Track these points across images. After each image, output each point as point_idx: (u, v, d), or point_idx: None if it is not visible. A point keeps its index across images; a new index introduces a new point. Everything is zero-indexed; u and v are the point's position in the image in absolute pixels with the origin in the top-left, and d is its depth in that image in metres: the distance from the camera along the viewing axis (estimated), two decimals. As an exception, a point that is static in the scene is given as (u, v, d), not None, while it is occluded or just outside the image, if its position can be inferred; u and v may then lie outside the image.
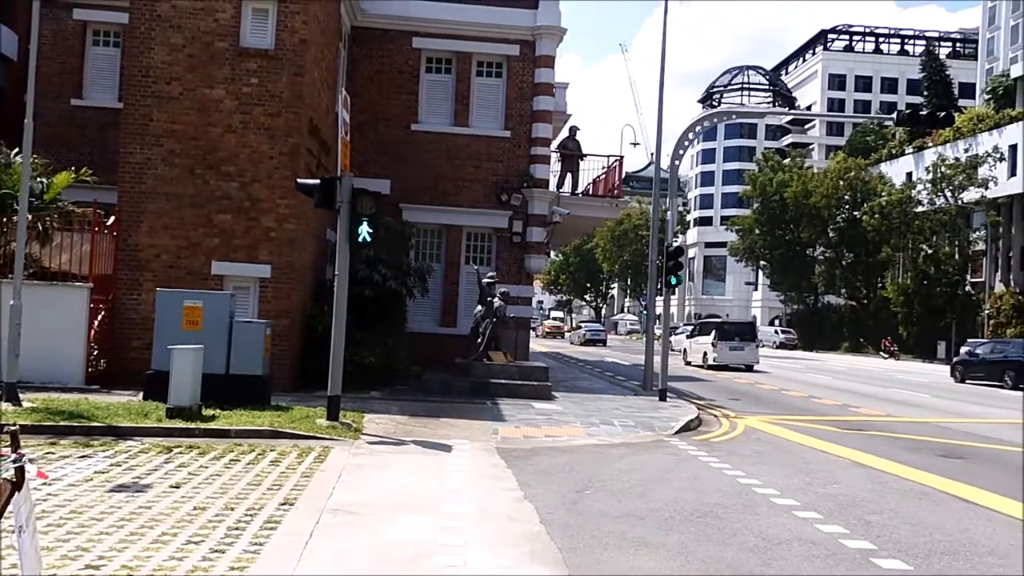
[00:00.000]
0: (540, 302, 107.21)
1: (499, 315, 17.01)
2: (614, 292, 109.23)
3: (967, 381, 28.72)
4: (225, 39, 14.70)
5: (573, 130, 22.34)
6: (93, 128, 17.22)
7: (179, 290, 13.08)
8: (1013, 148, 52.89)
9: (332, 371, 11.32)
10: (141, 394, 12.11)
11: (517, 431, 12.12)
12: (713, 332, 32.38)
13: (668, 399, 17.26)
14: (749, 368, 30.88)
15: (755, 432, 13.89)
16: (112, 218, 14.75)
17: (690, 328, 41.32)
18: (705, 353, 31.92)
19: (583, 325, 67.13)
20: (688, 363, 33.26)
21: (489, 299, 17.05)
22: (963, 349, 32.09)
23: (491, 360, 16.84)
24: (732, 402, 18.83)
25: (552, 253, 67.57)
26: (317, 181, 12.09)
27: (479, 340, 16.89)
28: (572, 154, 21.89)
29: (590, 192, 22.74)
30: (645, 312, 37.93)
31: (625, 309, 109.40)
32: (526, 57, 19.85)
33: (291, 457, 9.12)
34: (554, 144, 21.98)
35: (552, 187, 20.84)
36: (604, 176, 22.62)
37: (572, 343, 56.37)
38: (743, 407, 17.79)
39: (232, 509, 6.72)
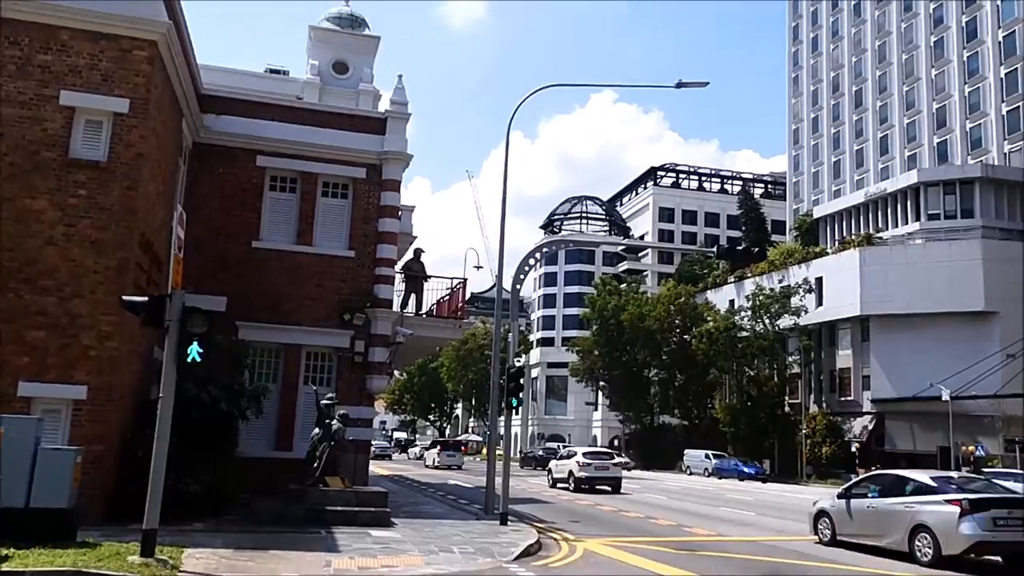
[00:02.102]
0: (383, 423, 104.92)
1: (337, 438, 16.49)
2: (459, 412, 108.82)
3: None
4: (53, 149, 14.05)
5: (418, 252, 22.64)
6: None
7: (-23, 413, 11.83)
8: (819, 280, 58.44)
9: (150, 501, 10.47)
10: (-81, 533, 10.66)
11: (352, 562, 11.56)
12: (439, 446, 54.88)
13: (509, 523, 17.09)
14: (459, 468, 48.59)
15: (594, 556, 13.94)
16: (-97, 332, 13.32)
17: (428, 443, 64.37)
18: (434, 459, 51.07)
19: (372, 444, 74.21)
20: (426, 465, 51.32)
21: (328, 421, 16.52)
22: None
23: (327, 486, 16.16)
24: (572, 524, 18.89)
25: (396, 372, 67.08)
26: (145, 298, 11.52)
27: (316, 465, 16.22)
28: (416, 275, 22.08)
29: (434, 313, 22.90)
30: (488, 432, 38.92)
31: (469, 429, 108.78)
32: (372, 180, 20.17)
33: (95, 601, 8.23)
34: (399, 265, 22.17)
35: (396, 307, 20.85)
36: (448, 297, 22.91)
37: None
38: (583, 529, 17.87)
39: (18, 667, 5.93)
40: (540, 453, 60.27)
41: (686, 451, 58.06)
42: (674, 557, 13.90)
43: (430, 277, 22.51)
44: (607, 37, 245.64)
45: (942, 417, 45.31)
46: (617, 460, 33.38)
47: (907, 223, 58.36)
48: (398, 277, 21.48)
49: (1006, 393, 45.20)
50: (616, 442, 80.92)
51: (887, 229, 59.49)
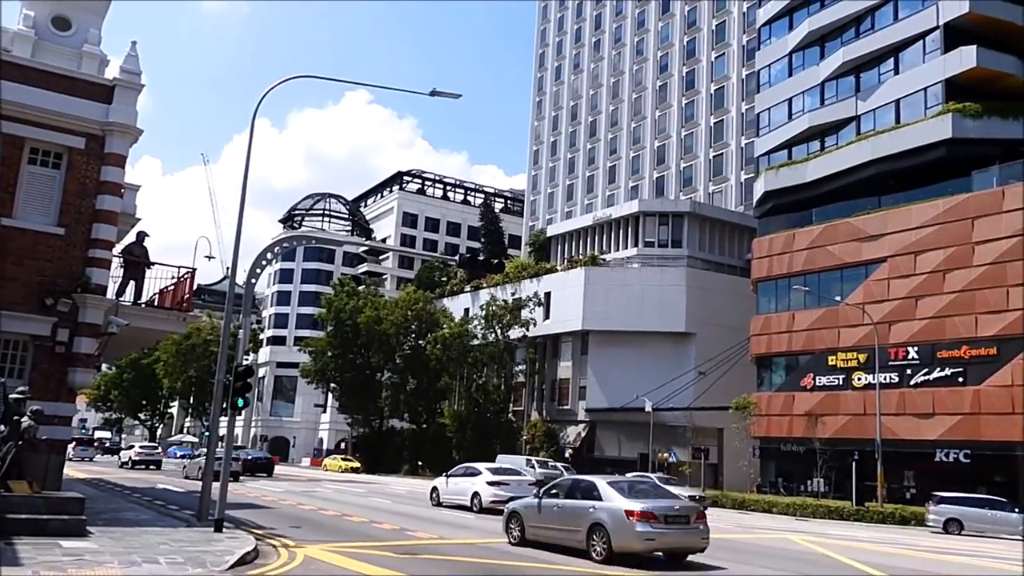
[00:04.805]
0: (83, 421, 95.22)
1: (27, 437, 14.60)
2: (174, 411, 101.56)
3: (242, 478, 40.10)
4: None
5: (141, 235, 20.77)
6: None
7: None
8: (548, 295, 62.01)
9: None
10: None
11: (35, 578, 10.29)
12: (74, 442, 60.46)
13: (225, 530, 16.15)
14: (91, 460, 59.49)
15: (314, 562, 13.57)
16: None
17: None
18: (129, 460, 53.36)
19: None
20: (124, 465, 52.44)
21: (16, 418, 14.56)
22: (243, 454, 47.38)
23: (10, 491, 14.23)
24: (293, 530, 18.28)
25: (104, 366, 61.11)
26: None
27: (-3, 467, 14.24)
28: (138, 261, 20.24)
29: (155, 303, 21.11)
30: (207, 433, 37.46)
31: (185, 430, 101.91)
32: (92, 152, 18.20)
33: None
34: (118, 248, 20.20)
35: (111, 294, 18.95)
36: (173, 287, 21.24)
37: None
38: (304, 535, 17.36)
39: None
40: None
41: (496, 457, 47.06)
42: (394, 561, 13.93)
43: (153, 264, 20.74)
44: (367, 39, 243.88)
45: (644, 427, 49.93)
46: (159, 450, 57.74)
47: (627, 248, 63.78)
48: (116, 261, 19.58)
49: (696, 406, 50.86)
50: (343, 445, 79.96)
51: (610, 252, 64.57)
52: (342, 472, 61.87)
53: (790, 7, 51.66)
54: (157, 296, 21.25)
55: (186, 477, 38.89)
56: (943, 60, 42.12)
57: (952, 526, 30.22)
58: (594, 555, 14.98)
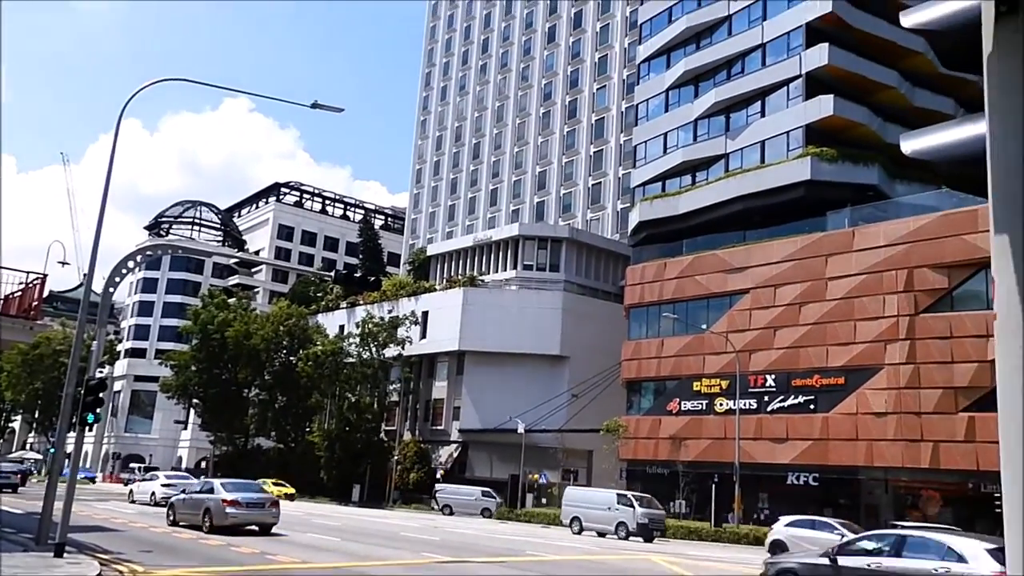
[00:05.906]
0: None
1: None
2: (15, 425, 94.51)
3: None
4: None
5: (-14, 236, 19.32)
6: None
7: None
8: (425, 314, 61.71)
9: None
10: None
11: None
12: None
13: (67, 555, 15.06)
14: None
15: (164, 589, 12.86)
16: None
17: None
18: None
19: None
20: None
21: None
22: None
23: None
24: (144, 555, 17.25)
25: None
26: None
27: None
28: (-19, 263, 18.78)
29: (0, 310, 19.61)
30: (52, 450, 35.30)
31: (28, 445, 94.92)
32: (-66, 143, 16.78)
33: None
34: (-42, 248, 18.68)
35: (-53, 298, 17.46)
36: (20, 293, 19.81)
37: None
38: (156, 559, 16.42)
39: None
40: None
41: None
42: (253, 587, 13.40)
43: (-1, 267, 19.31)
44: (254, 46, 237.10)
45: (516, 448, 50.23)
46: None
47: (506, 270, 64.33)
48: (-45, 263, 18.08)
49: (568, 428, 51.65)
50: (204, 464, 76.42)
51: (489, 273, 64.91)
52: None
53: (668, 46, 53.84)
54: (1, 302, 19.77)
55: None
56: (804, 107, 44.94)
57: None
58: (204, 528, 23.02)
